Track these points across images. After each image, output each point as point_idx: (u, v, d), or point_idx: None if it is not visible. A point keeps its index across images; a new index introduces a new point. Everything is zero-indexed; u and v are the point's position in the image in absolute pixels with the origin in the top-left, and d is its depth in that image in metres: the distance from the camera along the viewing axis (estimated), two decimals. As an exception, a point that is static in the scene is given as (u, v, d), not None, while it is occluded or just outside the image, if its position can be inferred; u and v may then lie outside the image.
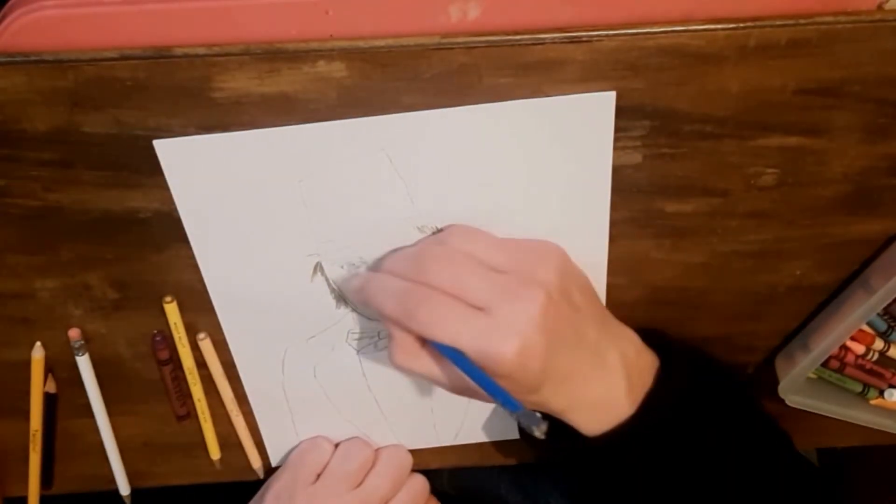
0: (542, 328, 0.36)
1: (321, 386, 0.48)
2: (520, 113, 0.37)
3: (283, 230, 0.41)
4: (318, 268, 0.42)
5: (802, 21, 0.35)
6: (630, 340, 0.42)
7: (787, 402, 0.47)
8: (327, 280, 0.43)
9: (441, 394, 0.49)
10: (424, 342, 0.38)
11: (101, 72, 0.35)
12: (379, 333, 0.46)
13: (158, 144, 0.37)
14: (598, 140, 0.39)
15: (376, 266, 0.42)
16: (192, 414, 0.49)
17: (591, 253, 0.43)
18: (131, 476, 0.52)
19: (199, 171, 0.38)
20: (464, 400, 0.49)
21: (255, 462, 0.52)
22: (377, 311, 0.39)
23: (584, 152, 0.39)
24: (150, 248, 0.41)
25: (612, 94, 0.37)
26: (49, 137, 0.37)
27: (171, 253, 0.42)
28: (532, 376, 0.36)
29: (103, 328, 0.45)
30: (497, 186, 0.40)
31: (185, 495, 0.53)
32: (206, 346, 0.45)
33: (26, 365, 0.46)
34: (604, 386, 0.39)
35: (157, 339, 0.45)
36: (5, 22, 0.35)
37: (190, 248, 0.41)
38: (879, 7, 0.36)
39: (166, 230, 0.41)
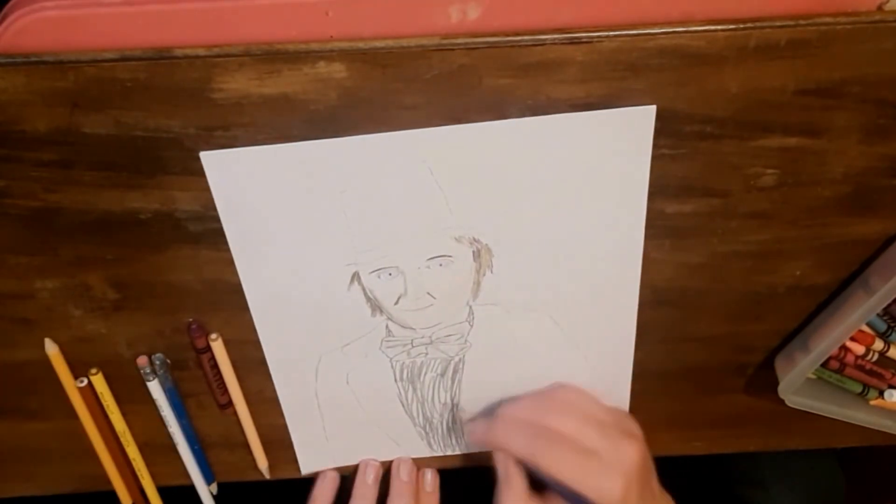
0: (640, 471, 0.43)
1: (353, 392, 0.48)
2: (559, 127, 0.38)
3: (323, 240, 0.41)
4: (356, 277, 0.43)
5: (802, 22, 0.35)
6: None
7: (787, 403, 0.48)
8: (364, 289, 0.43)
9: (470, 402, 0.49)
10: (531, 494, 0.44)
11: (101, 73, 0.35)
12: (412, 341, 0.46)
13: (204, 156, 0.38)
14: (636, 152, 0.39)
15: (496, 413, 0.46)
16: (231, 404, 0.48)
17: (624, 264, 0.43)
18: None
19: (243, 182, 0.39)
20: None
21: (262, 462, 0.52)
22: (505, 450, 0.45)
23: (622, 165, 0.39)
24: (150, 248, 0.41)
25: (653, 108, 0.37)
26: (49, 138, 0.37)
27: (170, 253, 0.42)
28: None
29: (103, 328, 0.45)
30: (534, 199, 0.40)
31: (187, 495, 0.53)
32: (217, 346, 0.45)
33: (26, 365, 0.46)
34: None
35: (193, 326, 0.44)
36: (6, 23, 0.35)
37: (190, 249, 0.41)
38: (879, 7, 0.36)
39: (166, 230, 0.41)
